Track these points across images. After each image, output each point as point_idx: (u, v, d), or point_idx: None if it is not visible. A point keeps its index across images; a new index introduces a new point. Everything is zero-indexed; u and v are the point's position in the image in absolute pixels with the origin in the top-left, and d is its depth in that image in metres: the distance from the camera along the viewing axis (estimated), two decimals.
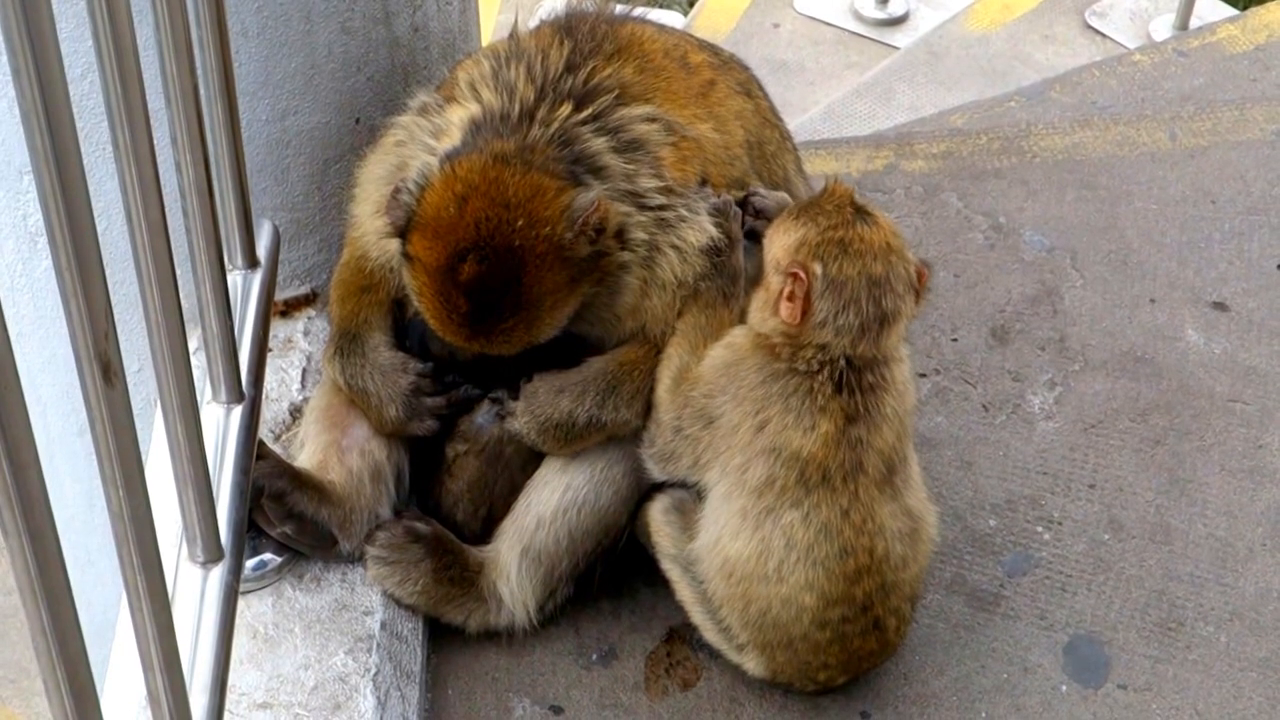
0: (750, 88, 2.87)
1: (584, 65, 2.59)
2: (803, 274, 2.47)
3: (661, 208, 2.56)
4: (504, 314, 2.48)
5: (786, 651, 2.63)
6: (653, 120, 2.59)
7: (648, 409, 2.66)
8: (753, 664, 2.69)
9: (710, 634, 2.72)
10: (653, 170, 2.56)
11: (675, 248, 2.57)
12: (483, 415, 2.77)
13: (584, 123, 2.53)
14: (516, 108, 2.52)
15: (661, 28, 2.83)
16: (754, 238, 2.65)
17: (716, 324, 2.59)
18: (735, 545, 2.57)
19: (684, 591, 2.72)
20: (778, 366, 2.52)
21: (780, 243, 2.56)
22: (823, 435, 2.50)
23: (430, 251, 2.46)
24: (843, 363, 2.50)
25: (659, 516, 2.71)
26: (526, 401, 2.67)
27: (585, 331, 2.66)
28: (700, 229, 2.57)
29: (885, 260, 2.51)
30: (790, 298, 2.48)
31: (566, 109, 2.52)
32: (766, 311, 2.55)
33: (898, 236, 2.55)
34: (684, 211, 2.58)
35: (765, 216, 2.68)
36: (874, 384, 2.52)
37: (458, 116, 2.59)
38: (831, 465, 2.51)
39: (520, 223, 2.43)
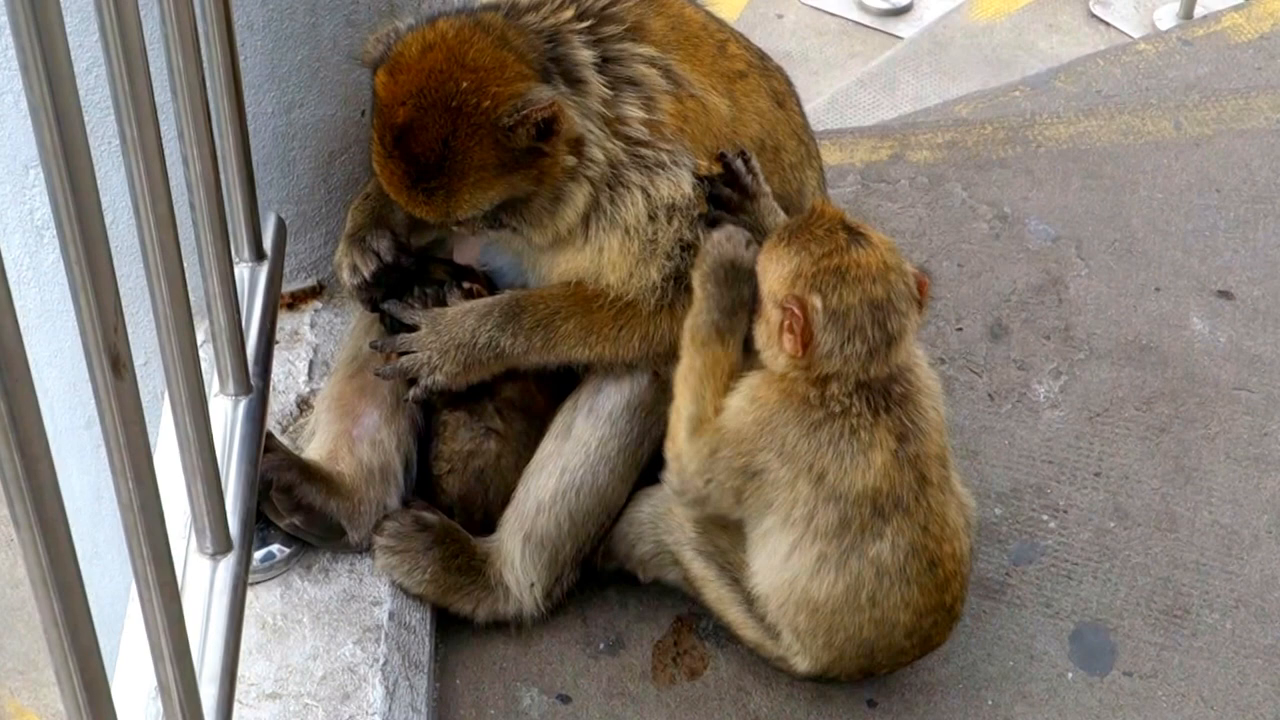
0: (784, 99, 2.80)
1: None
2: (797, 309, 2.40)
3: (641, 144, 2.54)
4: (427, 173, 2.48)
5: (864, 660, 2.62)
6: (653, 64, 2.56)
7: (548, 343, 2.64)
8: (805, 666, 2.67)
9: (749, 632, 2.70)
10: (644, 108, 2.54)
11: (644, 190, 2.55)
12: (464, 435, 2.78)
13: (579, 32, 2.53)
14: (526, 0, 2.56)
15: (714, 16, 2.79)
16: (713, 224, 2.57)
17: (713, 363, 2.51)
18: (821, 585, 2.53)
19: (719, 593, 2.71)
20: (815, 417, 2.45)
21: (775, 273, 2.46)
22: (881, 467, 2.47)
23: (385, 88, 2.50)
24: (866, 385, 2.46)
25: (699, 569, 2.72)
26: (434, 321, 2.67)
27: (526, 235, 2.63)
28: (675, 184, 2.55)
29: (884, 281, 2.43)
30: (790, 329, 2.41)
31: (568, 14, 2.53)
32: (774, 347, 2.47)
33: (894, 252, 2.47)
34: (665, 159, 2.55)
35: (745, 194, 2.58)
36: (905, 393, 2.48)
37: None
38: (901, 490, 2.49)
39: (465, 85, 2.43)
